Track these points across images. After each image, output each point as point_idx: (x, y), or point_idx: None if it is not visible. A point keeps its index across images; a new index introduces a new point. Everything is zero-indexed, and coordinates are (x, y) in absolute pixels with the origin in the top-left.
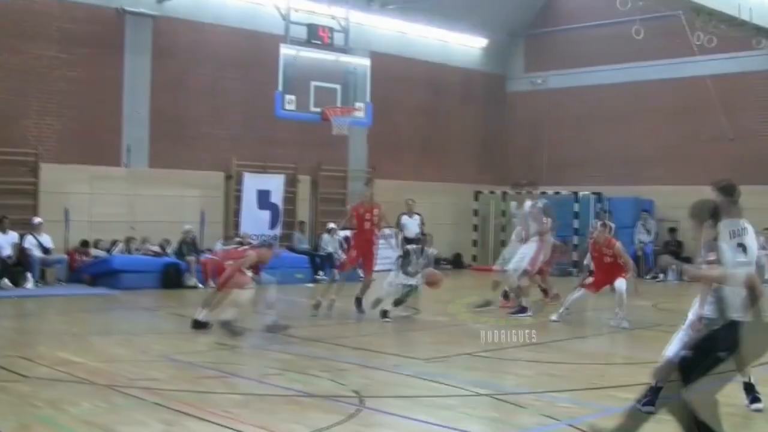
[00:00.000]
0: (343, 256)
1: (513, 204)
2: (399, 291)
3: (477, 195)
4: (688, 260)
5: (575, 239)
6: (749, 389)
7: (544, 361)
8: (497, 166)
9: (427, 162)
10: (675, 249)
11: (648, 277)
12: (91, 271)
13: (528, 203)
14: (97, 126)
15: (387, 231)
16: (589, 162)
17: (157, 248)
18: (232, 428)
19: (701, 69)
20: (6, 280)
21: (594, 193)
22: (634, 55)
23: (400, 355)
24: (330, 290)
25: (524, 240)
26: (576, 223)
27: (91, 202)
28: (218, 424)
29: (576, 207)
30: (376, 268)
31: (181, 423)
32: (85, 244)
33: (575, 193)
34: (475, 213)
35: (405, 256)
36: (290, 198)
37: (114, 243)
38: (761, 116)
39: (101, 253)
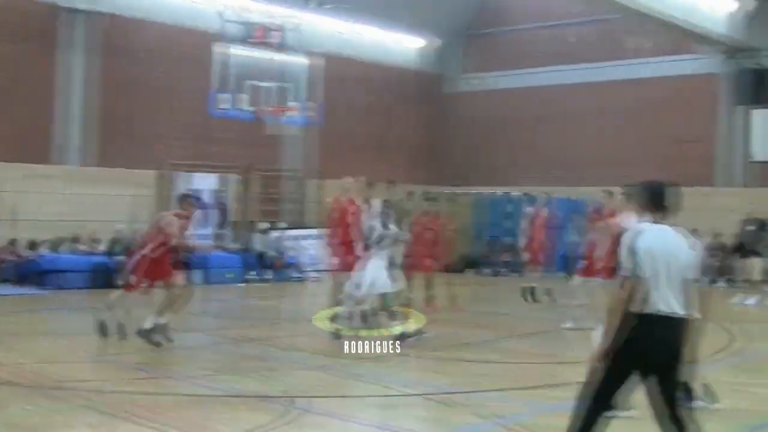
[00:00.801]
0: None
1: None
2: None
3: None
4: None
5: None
6: None
7: (475, 361)
8: (438, 167)
9: (368, 162)
10: None
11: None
12: (20, 270)
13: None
14: (31, 123)
15: None
16: (527, 162)
17: (86, 247)
18: (161, 430)
19: (637, 72)
20: None
21: (527, 195)
22: (572, 57)
23: (331, 355)
24: None
25: None
26: (508, 224)
27: (23, 200)
28: (147, 426)
29: (509, 208)
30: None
31: (110, 425)
32: (12, 241)
33: (507, 194)
34: (407, 214)
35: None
36: (225, 197)
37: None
38: (693, 118)
39: (30, 253)
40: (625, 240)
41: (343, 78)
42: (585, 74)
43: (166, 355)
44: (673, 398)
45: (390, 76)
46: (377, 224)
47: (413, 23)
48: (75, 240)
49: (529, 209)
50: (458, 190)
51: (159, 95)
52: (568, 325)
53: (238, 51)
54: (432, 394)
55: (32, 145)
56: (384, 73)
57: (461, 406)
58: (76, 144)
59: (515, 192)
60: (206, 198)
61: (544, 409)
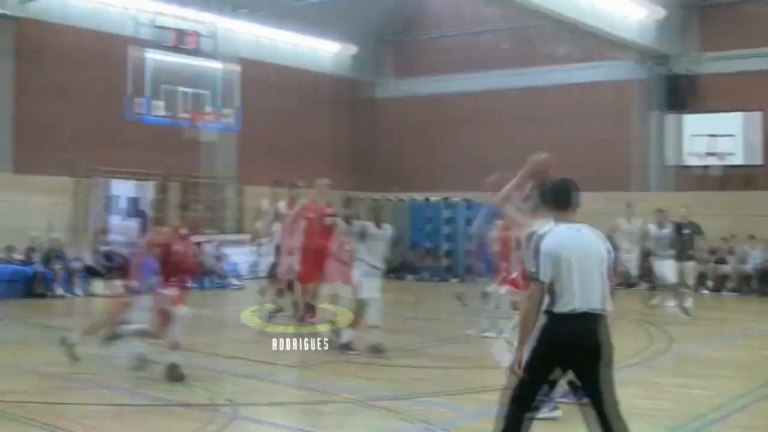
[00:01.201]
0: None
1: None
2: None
3: (349, 201)
4: None
5: (446, 246)
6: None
7: (404, 366)
8: (366, 172)
9: (291, 167)
10: None
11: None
12: None
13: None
14: None
15: None
16: (456, 167)
17: (21, 256)
18: None
19: (555, 78)
20: None
21: (464, 200)
22: (501, 63)
23: (274, 362)
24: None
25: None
26: (447, 229)
27: None
28: None
29: (446, 213)
30: None
31: None
32: None
33: (446, 199)
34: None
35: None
36: (157, 205)
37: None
38: (615, 124)
39: None
40: (531, 243)
41: (261, 83)
42: (505, 80)
43: (108, 365)
44: (599, 395)
45: (309, 82)
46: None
47: (332, 28)
48: (3, 249)
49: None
50: (381, 195)
51: (74, 100)
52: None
53: (154, 55)
54: (374, 400)
55: None
56: (302, 79)
57: (390, 412)
58: None
59: (435, 197)
60: (124, 205)
61: (472, 415)
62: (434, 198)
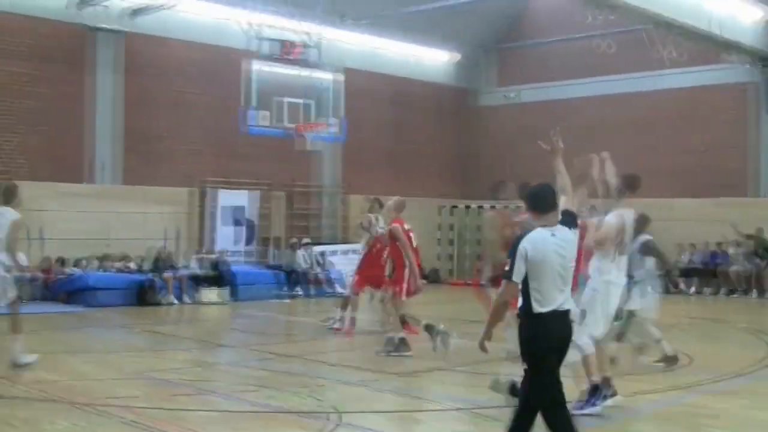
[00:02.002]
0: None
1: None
2: None
3: (452, 210)
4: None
5: None
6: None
7: (510, 374)
8: (468, 181)
9: (398, 176)
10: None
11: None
12: (65, 288)
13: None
14: (67, 143)
15: None
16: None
17: (132, 265)
18: None
19: (671, 82)
20: None
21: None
22: (605, 68)
23: (377, 370)
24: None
25: None
26: None
27: (64, 219)
28: None
29: None
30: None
31: None
32: (58, 260)
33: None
34: (451, 227)
35: None
36: (264, 214)
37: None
38: (730, 128)
39: (76, 271)
40: (512, 246)
41: (366, 92)
42: (611, 86)
43: (212, 371)
44: (560, 391)
45: (413, 90)
46: None
47: (436, 37)
48: (124, 258)
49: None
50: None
51: (188, 112)
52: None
53: (261, 66)
54: (478, 408)
55: (63, 163)
56: (407, 87)
57: (496, 421)
58: (106, 162)
59: None
60: (243, 214)
61: (590, 424)
62: None
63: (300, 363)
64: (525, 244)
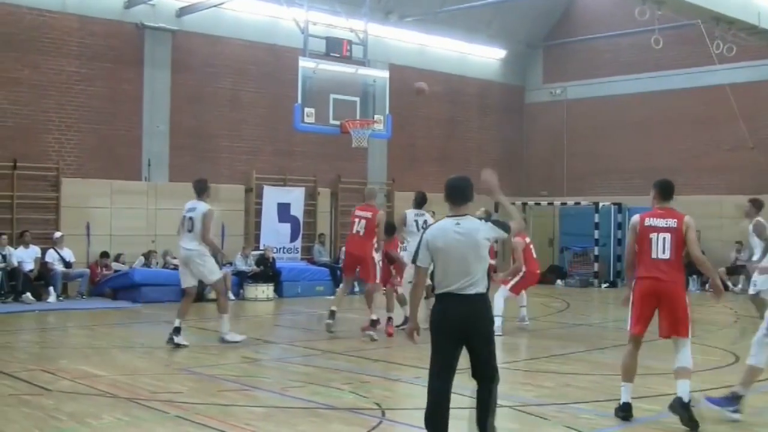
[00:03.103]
0: None
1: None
2: None
3: (496, 206)
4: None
5: (596, 250)
6: None
7: (564, 373)
8: (517, 177)
9: (446, 174)
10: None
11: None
12: (112, 284)
13: None
14: (118, 140)
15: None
16: (608, 172)
17: (177, 262)
18: None
19: (721, 78)
20: (28, 295)
21: (614, 204)
22: (653, 64)
23: (421, 366)
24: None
25: None
26: (596, 234)
27: (112, 216)
28: None
29: (596, 218)
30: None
31: None
32: (105, 256)
33: (596, 204)
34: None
35: None
36: (310, 211)
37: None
38: None
39: (123, 267)
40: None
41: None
42: (657, 82)
43: (258, 367)
44: (486, 377)
45: (466, 88)
46: None
47: (494, 34)
48: (167, 254)
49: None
50: (539, 200)
51: (236, 110)
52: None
53: (321, 65)
54: (523, 405)
55: (120, 161)
56: (453, 84)
57: (553, 419)
58: (161, 160)
59: (585, 202)
60: (293, 211)
61: (618, 422)
62: (584, 202)
63: (345, 359)
64: (427, 233)
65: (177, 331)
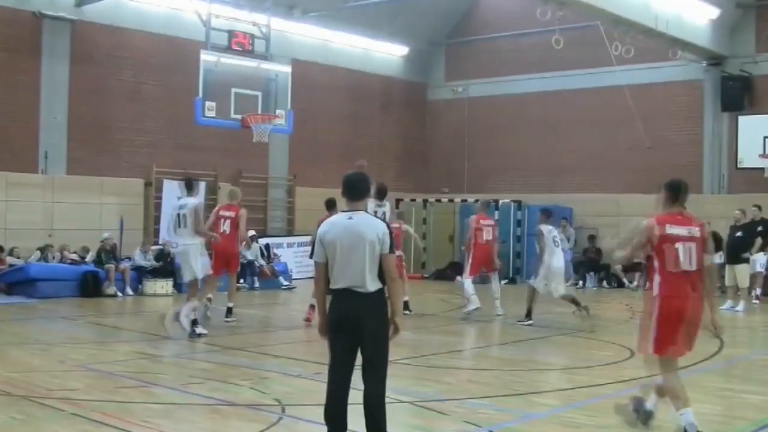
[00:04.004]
0: (263, 263)
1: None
2: None
3: (398, 203)
4: (607, 267)
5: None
6: None
7: (464, 368)
8: (418, 174)
9: (348, 169)
10: (594, 256)
11: (568, 284)
12: (6, 279)
13: None
14: (14, 131)
15: None
16: (509, 170)
17: (75, 256)
18: None
19: (619, 79)
20: None
21: (514, 201)
22: (554, 64)
23: (322, 362)
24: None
25: None
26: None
27: (7, 209)
28: None
29: (496, 215)
30: None
31: None
32: (3, 251)
33: (496, 201)
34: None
35: None
36: (211, 206)
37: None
38: (677, 125)
39: (17, 261)
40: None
41: (313, 85)
42: (558, 82)
43: (156, 363)
44: (375, 374)
45: (361, 83)
46: None
47: (396, 31)
48: (63, 249)
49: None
50: (440, 197)
51: (136, 103)
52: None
53: (223, 59)
54: (423, 401)
55: (16, 153)
56: (355, 80)
57: (453, 414)
58: (58, 153)
59: (504, 200)
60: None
61: (518, 417)
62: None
63: (244, 355)
64: (320, 229)
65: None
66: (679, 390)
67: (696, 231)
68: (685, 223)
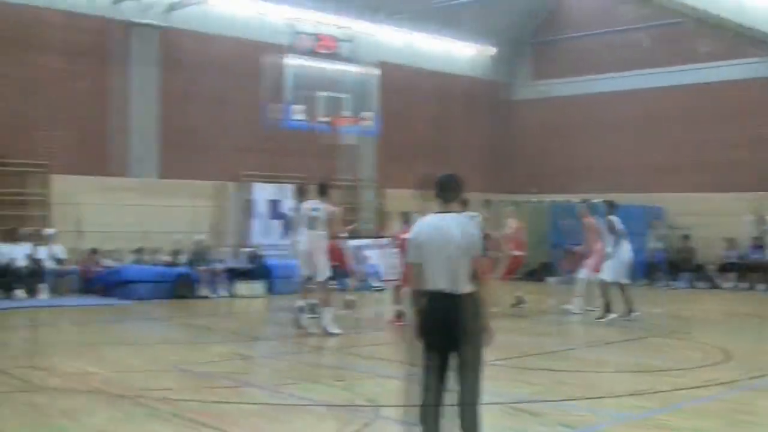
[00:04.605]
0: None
1: None
2: None
3: (487, 203)
4: (700, 267)
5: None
6: None
7: (557, 370)
8: (505, 174)
9: (436, 170)
10: (687, 256)
11: (660, 284)
12: (102, 281)
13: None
14: (107, 137)
15: None
16: (598, 169)
17: (168, 258)
18: None
19: (707, 76)
20: (20, 291)
21: (605, 201)
22: (641, 62)
23: (414, 363)
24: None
25: None
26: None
27: (103, 212)
28: None
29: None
30: None
31: None
32: (95, 252)
33: (585, 201)
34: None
35: None
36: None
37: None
38: (756, 123)
39: (113, 264)
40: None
41: (399, 86)
42: (645, 80)
43: (249, 364)
44: (462, 380)
45: (446, 84)
46: None
47: (482, 32)
48: (156, 251)
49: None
50: (524, 197)
51: (225, 107)
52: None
53: (293, 61)
54: (516, 402)
55: (109, 158)
56: (440, 81)
57: (546, 416)
58: (150, 157)
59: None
60: (284, 208)
61: (611, 419)
62: (575, 199)
63: (336, 356)
64: (413, 229)
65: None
66: None
67: None
68: None
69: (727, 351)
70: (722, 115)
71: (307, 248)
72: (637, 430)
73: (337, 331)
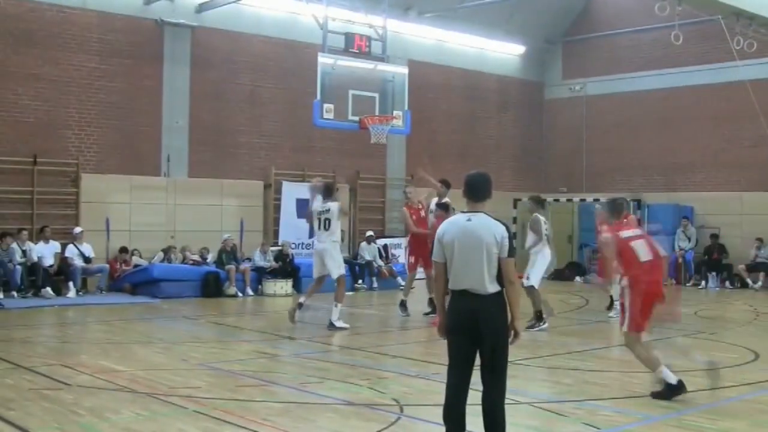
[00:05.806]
0: (381, 264)
1: None
2: None
3: (516, 203)
4: (730, 267)
5: None
6: None
7: (583, 369)
8: (536, 173)
9: (465, 169)
10: (717, 256)
11: (689, 284)
12: (131, 279)
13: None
14: (137, 136)
15: None
16: (628, 168)
17: (196, 257)
18: None
19: (741, 74)
20: (48, 289)
21: (634, 200)
22: (673, 60)
23: (440, 363)
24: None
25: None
26: None
27: (132, 211)
28: None
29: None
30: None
31: (222, 431)
32: (124, 251)
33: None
34: (514, 221)
35: None
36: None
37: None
38: None
39: (142, 262)
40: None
41: (430, 85)
42: (686, 78)
43: (275, 363)
44: (489, 378)
45: (484, 84)
46: None
47: (513, 30)
48: (184, 249)
49: None
50: (558, 196)
51: (255, 106)
52: None
53: (340, 61)
54: (541, 402)
55: (140, 157)
56: (478, 80)
57: (572, 416)
58: (180, 156)
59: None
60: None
61: (638, 419)
62: (604, 199)
63: (362, 355)
64: (439, 228)
65: (299, 306)
66: None
67: None
68: None
69: (755, 351)
70: (753, 113)
71: (318, 248)
72: (663, 431)
73: (344, 325)
